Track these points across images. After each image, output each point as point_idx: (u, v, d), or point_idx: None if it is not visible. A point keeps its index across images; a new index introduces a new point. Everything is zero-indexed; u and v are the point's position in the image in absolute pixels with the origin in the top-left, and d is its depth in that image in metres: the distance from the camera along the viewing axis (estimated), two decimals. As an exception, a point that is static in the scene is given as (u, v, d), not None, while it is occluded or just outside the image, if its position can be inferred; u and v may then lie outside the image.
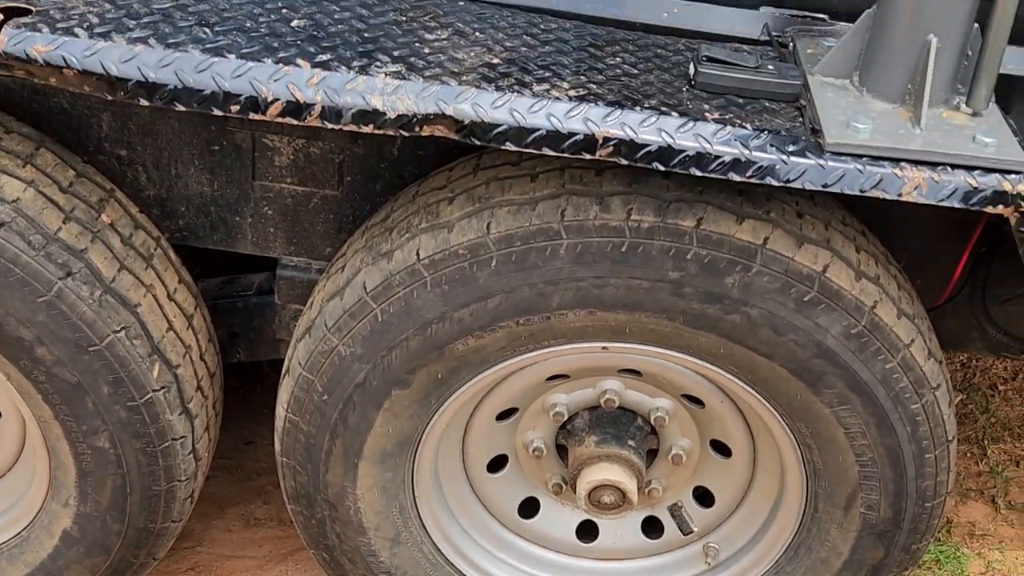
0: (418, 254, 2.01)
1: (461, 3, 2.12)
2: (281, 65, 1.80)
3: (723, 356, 2.04)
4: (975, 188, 1.78)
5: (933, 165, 1.79)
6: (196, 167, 2.33)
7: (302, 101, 1.78)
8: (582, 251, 1.95)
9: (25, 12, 1.83)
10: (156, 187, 2.36)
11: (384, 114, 1.79)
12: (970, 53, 1.89)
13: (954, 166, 1.79)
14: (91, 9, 1.87)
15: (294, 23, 1.93)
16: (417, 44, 1.93)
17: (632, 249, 1.94)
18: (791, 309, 1.97)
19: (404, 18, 2.01)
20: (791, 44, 2.09)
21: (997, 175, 1.79)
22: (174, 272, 2.29)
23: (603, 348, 2.08)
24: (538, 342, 2.06)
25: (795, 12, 2.17)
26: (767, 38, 2.15)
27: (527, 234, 1.96)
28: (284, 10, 1.97)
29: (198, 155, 2.32)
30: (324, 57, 1.83)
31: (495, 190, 2.03)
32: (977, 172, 1.79)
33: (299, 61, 1.81)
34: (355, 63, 1.83)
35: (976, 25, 1.88)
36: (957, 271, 2.43)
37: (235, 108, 1.78)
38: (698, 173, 1.80)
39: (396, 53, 1.88)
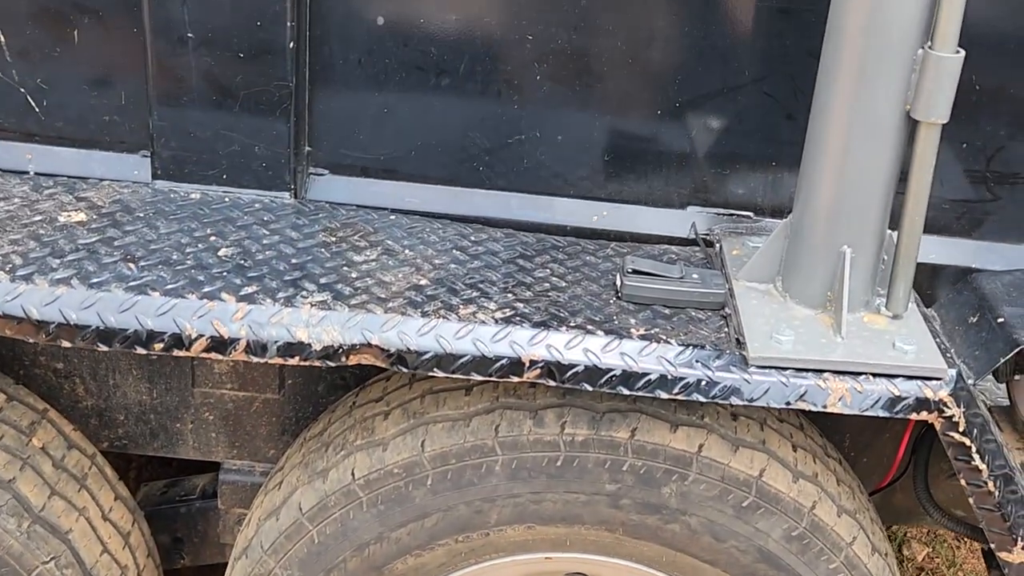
0: (353, 473, 1.99)
1: (392, 217, 2.15)
2: (205, 301, 1.81)
3: (667, 563, 2.02)
4: (898, 396, 1.80)
5: (856, 374, 1.81)
6: (135, 376, 2.33)
7: (227, 337, 1.78)
8: (517, 467, 1.94)
9: (-50, 256, 1.84)
10: (94, 398, 2.35)
11: (310, 346, 1.79)
12: (886, 257, 1.93)
13: (876, 375, 1.81)
14: (15, 249, 1.88)
15: (222, 252, 1.95)
16: (345, 268, 1.95)
17: (568, 463, 1.94)
18: (730, 515, 1.96)
19: (334, 238, 2.04)
20: (718, 244, 2.13)
21: (918, 382, 1.81)
22: (109, 490, 2.26)
23: (546, 558, 2.06)
24: (479, 556, 2.03)
25: (721, 211, 2.22)
26: (694, 237, 2.19)
27: (462, 451, 1.95)
28: (213, 238, 1.99)
29: (136, 364, 2.32)
30: (250, 289, 1.85)
31: (430, 404, 2.03)
32: (899, 380, 1.81)
33: (224, 295, 1.82)
34: (281, 294, 1.84)
35: (889, 232, 1.92)
36: (900, 450, 2.43)
37: (159, 346, 1.78)
38: (625, 392, 1.81)
39: (323, 280, 1.90)
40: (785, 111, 2.13)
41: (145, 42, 2.04)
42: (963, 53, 1.75)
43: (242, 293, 1.83)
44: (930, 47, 1.74)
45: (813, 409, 1.81)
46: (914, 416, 1.81)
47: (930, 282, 2.21)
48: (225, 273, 1.88)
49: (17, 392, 2.19)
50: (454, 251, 2.05)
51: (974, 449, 1.86)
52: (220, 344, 1.79)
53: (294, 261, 1.94)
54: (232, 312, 1.79)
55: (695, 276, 1.98)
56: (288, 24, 2.01)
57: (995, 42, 2.05)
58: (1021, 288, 2.11)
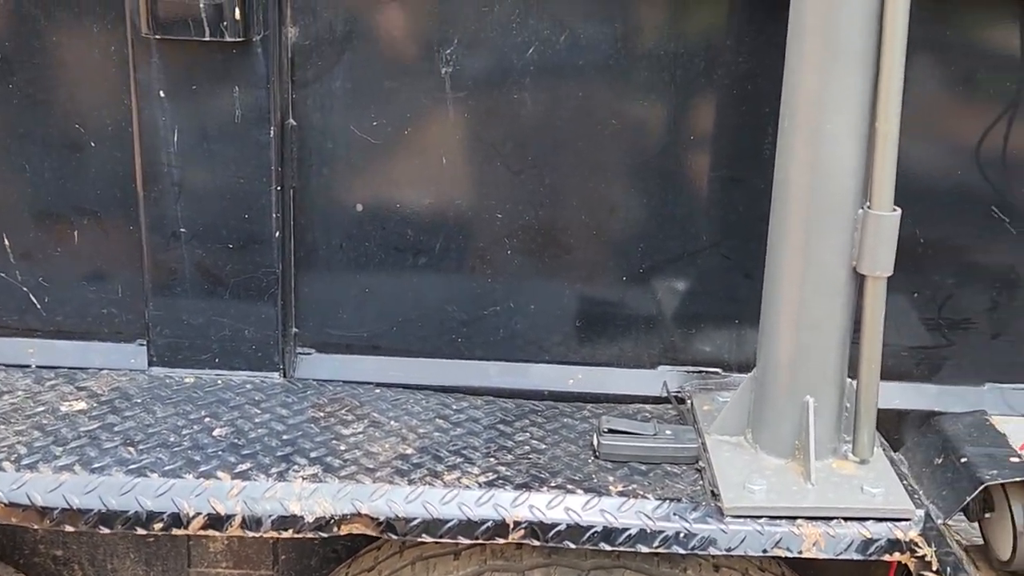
0: (348, 645, 2.03)
1: (377, 391, 2.25)
2: (202, 480, 1.89)
3: None
4: (870, 539, 1.87)
5: (828, 519, 1.88)
6: (132, 559, 2.38)
7: (223, 514, 1.86)
8: (507, 628, 1.99)
9: (-43, 450, 1.92)
10: (92, 583, 2.40)
11: (302, 518, 1.86)
12: (848, 405, 2.03)
13: (847, 518, 1.88)
14: (20, 439, 1.97)
15: (216, 432, 2.04)
16: (334, 441, 2.04)
17: (556, 621, 1.99)
18: (718, 666, 2.00)
19: (322, 414, 2.13)
20: (689, 401, 2.23)
21: (888, 524, 1.88)
22: (109, 675, 2.28)
23: None
24: None
25: (690, 368, 2.33)
26: (666, 395, 2.29)
27: (453, 615, 2.00)
28: (207, 419, 2.08)
29: (134, 548, 2.37)
30: (244, 466, 1.93)
31: (420, 571, 2.09)
32: (869, 522, 1.88)
33: (219, 473, 1.90)
34: (273, 469, 1.93)
35: (849, 380, 2.02)
36: (885, 598, 2.47)
37: (159, 526, 1.85)
38: (607, 548, 1.87)
39: (313, 454, 1.98)
40: (743, 271, 2.26)
41: (141, 238, 2.17)
42: (899, 211, 1.90)
43: (236, 470, 1.91)
44: (869, 207, 1.89)
45: (789, 555, 1.87)
46: (887, 557, 1.88)
47: (896, 427, 2.31)
48: (220, 452, 1.97)
49: (17, 582, 2.24)
50: (437, 420, 2.14)
51: (948, 586, 1.92)
52: (217, 521, 1.86)
53: (285, 437, 2.03)
54: (227, 489, 1.87)
55: (668, 432, 2.07)
56: (274, 215, 2.15)
57: (933, 198, 2.20)
58: (981, 428, 2.20)
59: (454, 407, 2.20)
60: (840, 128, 1.83)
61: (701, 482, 1.98)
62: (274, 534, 1.87)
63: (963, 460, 2.08)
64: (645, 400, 2.31)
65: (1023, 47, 2.13)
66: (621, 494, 1.92)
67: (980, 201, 2.21)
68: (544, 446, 2.08)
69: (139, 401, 2.12)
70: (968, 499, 1.99)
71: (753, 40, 2.11)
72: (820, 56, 1.83)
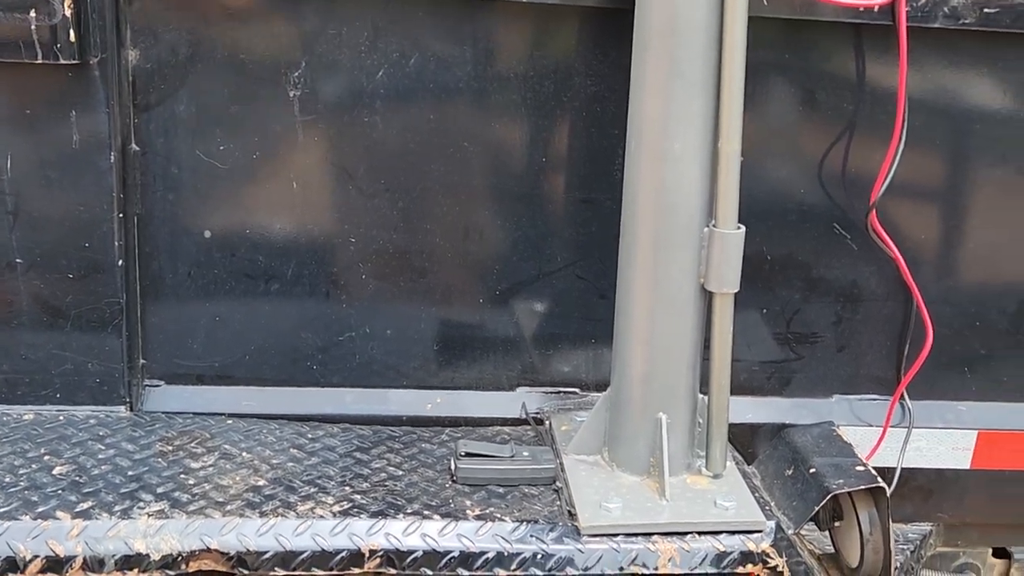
0: None
1: (230, 422, 2.19)
2: (39, 521, 1.80)
3: None
4: (723, 552, 1.90)
5: (682, 534, 1.90)
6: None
7: (62, 555, 1.77)
8: (366, 660, 1.95)
9: None
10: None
11: (148, 557, 1.79)
12: (701, 421, 2.06)
13: (701, 532, 1.91)
14: None
15: (56, 470, 1.95)
16: (182, 475, 1.97)
17: (415, 651, 1.95)
18: None
19: (170, 447, 2.06)
20: (547, 421, 2.23)
21: (741, 536, 1.91)
22: None
23: None
24: None
25: (549, 389, 2.34)
26: (525, 417, 2.29)
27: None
28: (47, 457, 1.99)
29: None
30: (85, 505, 1.85)
31: (276, 606, 2.03)
32: (723, 536, 1.91)
33: (59, 513, 1.82)
34: (117, 507, 1.85)
35: (701, 396, 2.05)
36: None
37: (-8, 572, 1.76)
38: (466, 573, 1.85)
39: (160, 489, 1.91)
40: (598, 291, 2.28)
41: (-27, 270, 2.08)
42: (744, 229, 1.94)
43: (77, 510, 1.83)
44: (714, 225, 1.93)
45: (646, 572, 1.88)
46: (740, 569, 1.91)
47: (750, 440, 2.35)
48: (60, 491, 1.88)
49: None
50: (291, 450, 2.10)
51: (800, 595, 1.96)
52: (56, 564, 1.77)
53: (130, 473, 1.96)
54: (67, 530, 1.79)
55: (526, 454, 2.07)
56: (116, 243, 2.08)
57: (778, 216, 2.26)
58: (829, 439, 2.27)
59: (309, 436, 2.16)
60: (684, 149, 1.87)
61: (559, 502, 1.98)
62: (118, 575, 1.79)
63: (812, 471, 2.13)
64: (504, 422, 2.31)
65: (859, 69, 2.21)
66: (478, 518, 1.90)
67: (822, 218, 2.28)
68: (401, 472, 2.05)
69: (-27, 441, 2.02)
70: (816, 508, 2.04)
71: (600, 63, 2.14)
72: (663, 80, 1.86)
